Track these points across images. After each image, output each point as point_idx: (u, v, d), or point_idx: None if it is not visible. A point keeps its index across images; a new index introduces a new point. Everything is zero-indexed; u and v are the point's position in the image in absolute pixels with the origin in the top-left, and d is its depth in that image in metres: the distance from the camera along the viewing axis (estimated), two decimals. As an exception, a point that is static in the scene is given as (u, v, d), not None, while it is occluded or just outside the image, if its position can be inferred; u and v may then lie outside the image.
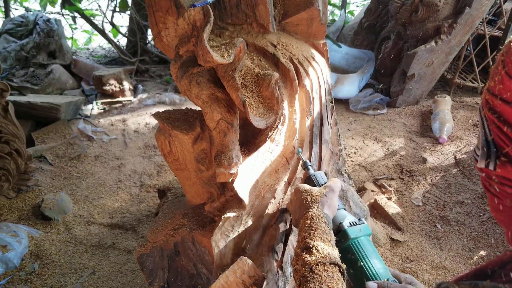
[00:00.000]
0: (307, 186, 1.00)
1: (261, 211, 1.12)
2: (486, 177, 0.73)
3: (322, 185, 1.02)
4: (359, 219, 0.93)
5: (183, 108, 1.23)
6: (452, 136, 2.52)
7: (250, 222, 1.09)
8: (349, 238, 0.87)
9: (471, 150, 2.35)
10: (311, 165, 1.11)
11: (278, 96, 1.06)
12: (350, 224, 0.91)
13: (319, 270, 0.72)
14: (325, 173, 1.29)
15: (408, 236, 1.78)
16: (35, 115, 2.72)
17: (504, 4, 2.93)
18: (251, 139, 1.19)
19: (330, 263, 0.74)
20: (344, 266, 0.75)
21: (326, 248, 0.77)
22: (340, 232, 0.90)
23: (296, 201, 0.98)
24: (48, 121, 2.74)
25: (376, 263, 0.83)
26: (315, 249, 0.76)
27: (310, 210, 0.89)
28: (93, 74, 3.39)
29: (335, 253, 0.77)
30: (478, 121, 2.65)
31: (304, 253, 0.77)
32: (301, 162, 1.15)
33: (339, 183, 1.00)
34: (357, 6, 6.23)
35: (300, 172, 1.23)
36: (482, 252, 1.67)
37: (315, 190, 0.97)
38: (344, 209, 0.99)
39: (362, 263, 0.83)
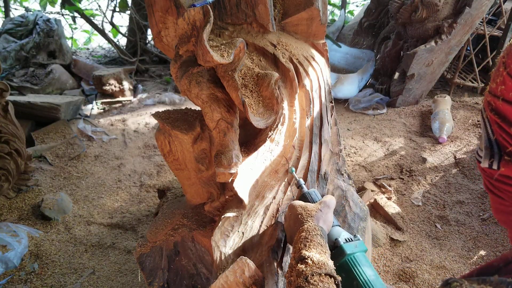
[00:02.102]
0: (301, 202, 0.99)
1: (261, 211, 1.12)
2: (489, 177, 0.73)
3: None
4: (355, 236, 0.93)
5: (183, 108, 1.23)
6: (452, 136, 2.52)
7: (250, 222, 1.09)
8: (346, 254, 0.86)
9: (471, 150, 2.35)
10: (304, 184, 1.11)
11: (278, 96, 1.06)
12: (346, 240, 0.90)
13: (314, 281, 0.71)
14: (326, 177, 1.29)
15: (408, 236, 1.78)
16: (35, 115, 2.72)
17: (504, 4, 2.93)
18: (251, 139, 1.19)
19: (325, 274, 0.73)
20: (339, 278, 0.74)
21: (321, 259, 0.76)
22: (336, 248, 0.89)
23: (291, 217, 0.96)
24: (48, 121, 2.74)
25: (374, 280, 0.81)
26: (311, 259, 0.76)
27: (305, 223, 0.88)
28: (93, 74, 3.39)
29: (330, 265, 0.76)
30: (478, 121, 2.65)
31: (299, 264, 0.76)
32: (294, 180, 1.14)
33: (334, 200, 0.99)
34: (357, 6, 6.24)
35: (300, 172, 1.23)
36: (482, 252, 1.67)
37: (310, 205, 0.96)
38: (339, 225, 0.99)
39: (359, 279, 0.82)
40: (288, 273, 0.79)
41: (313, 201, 1.03)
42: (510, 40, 2.89)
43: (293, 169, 1.14)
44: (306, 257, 0.76)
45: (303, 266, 0.75)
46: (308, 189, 1.10)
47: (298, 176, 1.18)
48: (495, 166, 0.66)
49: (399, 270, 1.57)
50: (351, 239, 0.91)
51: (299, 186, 1.11)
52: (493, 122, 0.66)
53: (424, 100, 3.11)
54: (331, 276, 0.73)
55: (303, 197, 1.07)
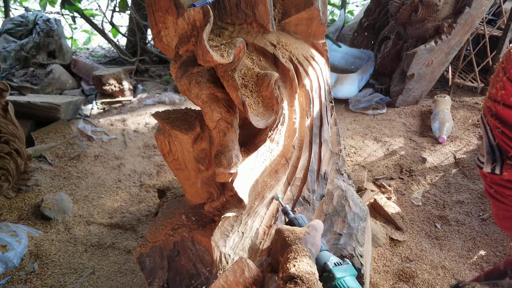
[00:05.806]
0: (288, 226, 0.99)
1: (261, 211, 1.12)
2: (491, 183, 0.73)
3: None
4: (344, 260, 0.92)
5: (183, 108, 1.23)
6: (452, 136, 2.52)
7: (250, 222, 1.09)
8: (335, 278, 0.85)
9: (471, 150, 2.35)
10: (291, 210, 1.11)
11: (277, 96, 1.06)
12: (335, 264, 0.90)
13: None
14: (326, 177, 1.29)
15: (408, 236, 1.78)
16: (35, 115, 2.71)
17: (504, 4, 2.93)
18: (251, 139, 1.19)
19: None
20: None
21: (311, 279, 0.76)
22: (325, 273, 0.88)
23: (278, 241, 0.96)
24: (48, 121, 2.74)
25: None
26: (300, 279, 0.75)
27: (293, 245, 0.88)
28: (93, 74, 3.39)
29: (319, 285, 0.76)
30: (478, 121, 2.65)
31: (288, 284, 0.76)
32: (280, 207, 1.13)
33: (321, 223, 0.99)
34: (357, 6, 6.23)
35: (300, 172, 1.23)
36: (482, 252, 1.67)
37: (297, 229, 0.96)
38: (327, 250, 0.99)
39: None
40: None
41: (300, 226, 1.02)
42: (510, 40, 2.90)
43: (279, 195, 1.14)
44: (295, 276, 0.76)
45: (292, 285, 0.74)
46: (295, 214, 1.10)
47: (297, 176, 1.18)
48: (497, 171, 0.66)
49: (399, 270, 1.57)
50: (340, 263, 0.91)
51: (285, 212, 1.11)
52: (494, 127, 0.67)
53: (424, 100, 3.11)
54: None
55: (290, 222, 1.06)
